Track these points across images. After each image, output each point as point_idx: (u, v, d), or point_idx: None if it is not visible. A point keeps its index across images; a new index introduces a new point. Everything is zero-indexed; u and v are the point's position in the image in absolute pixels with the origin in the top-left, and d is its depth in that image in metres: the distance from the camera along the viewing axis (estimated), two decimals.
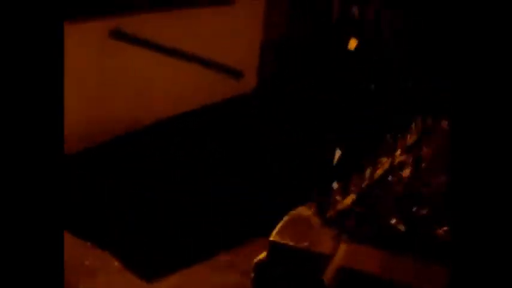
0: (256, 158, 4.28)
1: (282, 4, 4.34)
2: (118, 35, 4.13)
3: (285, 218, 2.67)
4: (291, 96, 4.35)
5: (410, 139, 3.15)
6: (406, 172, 2.91)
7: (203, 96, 4.45)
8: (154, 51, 4.25)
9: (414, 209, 2.65)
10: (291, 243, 2.54)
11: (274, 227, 2.60)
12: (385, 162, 2.94)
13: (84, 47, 4.08)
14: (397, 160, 2.97)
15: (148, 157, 4.27)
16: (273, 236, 2.58)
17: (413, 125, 3.10)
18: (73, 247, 3.23)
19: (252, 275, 2.64)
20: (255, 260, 2.65)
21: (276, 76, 4.54)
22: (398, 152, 3.00)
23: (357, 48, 2.55)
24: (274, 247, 2.57)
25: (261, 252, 2.62)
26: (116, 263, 3.40)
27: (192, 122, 4.42)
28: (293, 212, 2.70)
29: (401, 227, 2.55)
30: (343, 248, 2.50)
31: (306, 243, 2.53)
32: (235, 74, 4.52)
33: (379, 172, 2.89)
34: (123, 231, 3.64)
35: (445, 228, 2.53)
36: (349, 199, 2.71)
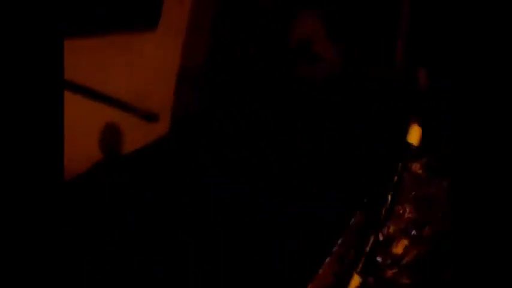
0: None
1: (202, 33, 3.67)
2: None
3: None
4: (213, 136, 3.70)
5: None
6: (398, 249, 2.31)
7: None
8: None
9: None
10: None
11: None
12: (371, 239, 2.32)
13: None
14: (384, 233, 2.36)
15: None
16: None
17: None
18: None
19: None
20: None
21: (192, 115, 3.89)
22: (384, 222, 2.39)
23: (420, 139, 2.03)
24: None
25: None
26: None
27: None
28: None
29: None
30: None
31: None
32: (150, 117, 3.81)
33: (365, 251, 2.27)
34: None
35: None
36: None
